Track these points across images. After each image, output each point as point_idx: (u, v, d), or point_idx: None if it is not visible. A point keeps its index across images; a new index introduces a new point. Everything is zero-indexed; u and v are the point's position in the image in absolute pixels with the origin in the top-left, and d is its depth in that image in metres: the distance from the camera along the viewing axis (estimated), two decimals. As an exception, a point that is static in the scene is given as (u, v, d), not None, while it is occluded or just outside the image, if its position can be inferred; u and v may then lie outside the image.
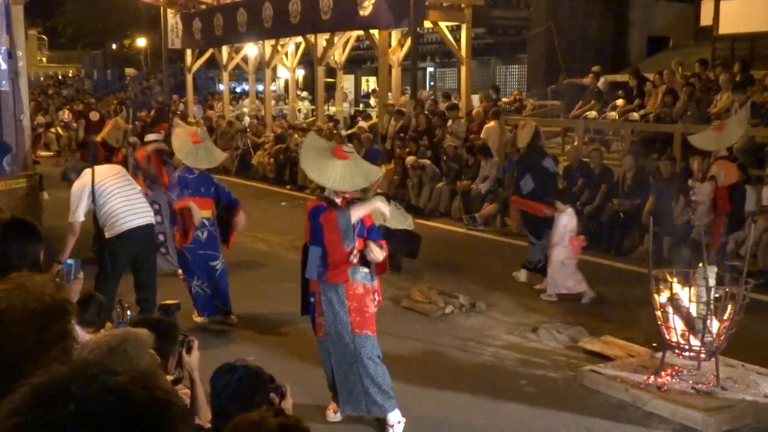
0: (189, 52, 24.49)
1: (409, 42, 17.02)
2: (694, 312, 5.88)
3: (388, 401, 5.30)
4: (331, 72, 23.11)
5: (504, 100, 18.47)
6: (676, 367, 6.00)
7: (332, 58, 20.21)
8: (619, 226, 10.89)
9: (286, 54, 21.68)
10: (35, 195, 9.58)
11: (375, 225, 5.63)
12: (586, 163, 11.74)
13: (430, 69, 30.17)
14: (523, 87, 23.72)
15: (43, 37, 46.44)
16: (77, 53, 45.85)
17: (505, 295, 8.65)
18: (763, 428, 5.40)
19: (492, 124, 14.29)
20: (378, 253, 5.22)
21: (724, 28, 17.93)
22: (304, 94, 27.21)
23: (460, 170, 13.60)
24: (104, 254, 6.89)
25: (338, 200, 5.34)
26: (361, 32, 18.30)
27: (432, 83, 30.17)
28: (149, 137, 9.89)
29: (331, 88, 24.22)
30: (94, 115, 13.90)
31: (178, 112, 22.72)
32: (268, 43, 20.91)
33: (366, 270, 5.35)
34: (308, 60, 23.42)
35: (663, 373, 5.91)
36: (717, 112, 12.32)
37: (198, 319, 7.61)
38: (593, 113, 14.66)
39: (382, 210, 5.61)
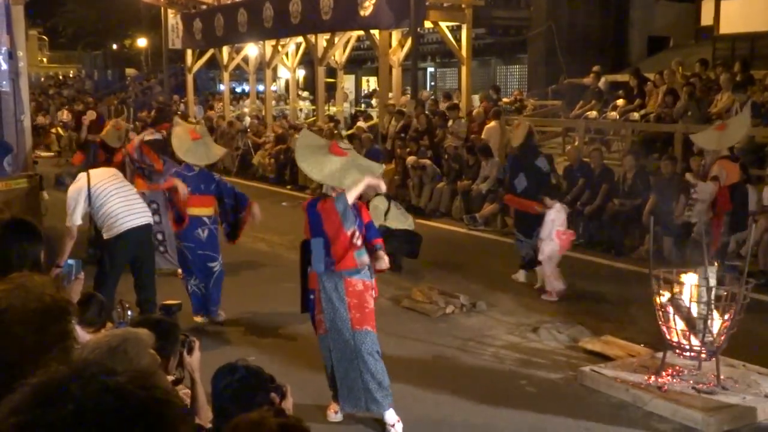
0: (189, 52, 24.50)
1: (409, 42, 17.03)
2: (694, 312, 5.88)
3: (386, 399, 5.31)
4: (331, 72, 23.12)
5: (504, 100, 18.47)
6: (677, 367, 5.99)
7: (333, 58, 20.21)
8: (619, 226, 10.89)
9: (287, 54, 21.68)
10: (35, 195, 9.58)
11: (372, 222, 5.64)
12: (587, 163, 11.74)
13: (430, 69, 30.18)
14: (524, 87, 23.74)
15: (44, 37, 46.45)
16: (78, 53, 45.87)
17: (505, 295, 8.66)
18: (763, 428, 5.40)
19: (492, 124, 14.30)
20: (385, 263, 5.42)
21: (725, 27, 17.93)
22: (305, 94, 27.21)
23: (460, 170, 13.60)
24: (103, 255, 6.90)
25: (335, 195, 5.34)
26: (361, 32, 18.30)
27: (432, 83, 30.18)
28: (147, 134, 9.89)
29: (331, 88, 24.22)
30: (91, 115, 13.88)
31: (179, 113, 22.72)
32: (269, 44, 20.91)
33: (366, 258, 5.34)
34: (309, 60, 23.42)
35: (663, 373, 5.91)
36: (717, 112, 12.32)
37: (198, 320, 7.61)
38: (594, 113, 14.67)
39: (375, 183, 5.53)
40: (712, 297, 5.80)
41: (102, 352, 2.74)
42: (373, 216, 6.16)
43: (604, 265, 10.04)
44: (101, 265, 6.87)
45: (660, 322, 5.99)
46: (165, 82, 29.03)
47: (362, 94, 30.84)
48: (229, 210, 7.80)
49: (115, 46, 43.31)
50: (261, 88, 25.13)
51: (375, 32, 16.74)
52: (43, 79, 44.43)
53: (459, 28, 17.53)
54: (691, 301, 5.90)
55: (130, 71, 40.27)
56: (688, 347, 5.91)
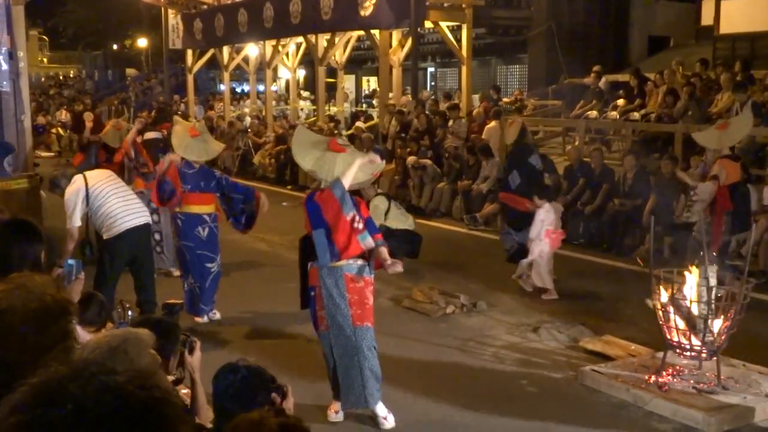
0: (190, 52, 24.50)
1: (409, 42, 17.03)
2: (695, 311, 5.87)
3: (379, 392, 5.37)
4: (332, 72, 23.12)
5: (505, 100, 18.47)
6: (678, 367, 5.99)
7: (333, 58, 20.21)
8: (620, 226, 10.89)
9: (287, 54, 21.68)
10: (36, 195, 9.59)
11: (371, 218, 5.66)
12: (587, 162, 11.74)
13: (430, 69, 30.19)
14: (524, 87, 23.73)
15: (44, 37, 46.46)
16: (78, 54, 45.90)
17: (505, 295, 8.65)
18: (764, 428, 5.39)
19: (493, 124, 14.29)
20: (399, 266, 5.53)
21: (725, 27, 17.92)
22: (306, 94, 27.22)
23: (460, 170, 13.60)
24: (103, 255, 6.90)
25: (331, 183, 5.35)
26: (361, 32, 18.30)
27: (433, 83, 30.19)
28: (148, 135, 9.91)
29: (332, 89, 24.22)
30: (88, 116, 13.87)
31: (179, 113, 22.71)
32: (269, 44, 20.91)
33: (370, 241, 5.34)
34: (309, 60, 23.42)
35: (664, 373, 5.90)
36: (718, 111, 12.32)
37: (198, 320, 7.60)
38: (594, 113, 14.67)
39: (367, 160, 5.53)
40: (713, 297, 5.80)
41: (102, 352, 2.74)
42: (373, 216, 6.16)
43: (604, 265, 10.04)
44: (101, 265, 6.87)
45: (660, 322, 5.99)
46: (165, 83, 29.04)
47: (363, 94, 30.84)
48: (239, 203, 7.75)
49: (115, 47, 43.34)
50: (261, 88, 25.14)
51: (375, 32, 16.74)
52: (43, 79, 44.48)
53: (459, 28, 17.53)
54: (691, 301, 5.89)
55: (130, 71, 40.27)
56: (688, 347, 5.91)
